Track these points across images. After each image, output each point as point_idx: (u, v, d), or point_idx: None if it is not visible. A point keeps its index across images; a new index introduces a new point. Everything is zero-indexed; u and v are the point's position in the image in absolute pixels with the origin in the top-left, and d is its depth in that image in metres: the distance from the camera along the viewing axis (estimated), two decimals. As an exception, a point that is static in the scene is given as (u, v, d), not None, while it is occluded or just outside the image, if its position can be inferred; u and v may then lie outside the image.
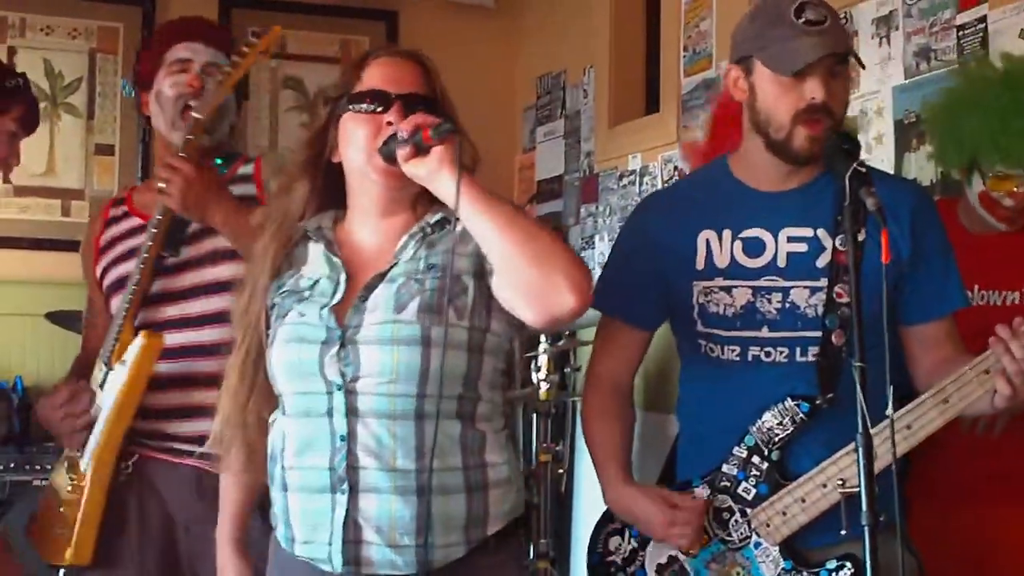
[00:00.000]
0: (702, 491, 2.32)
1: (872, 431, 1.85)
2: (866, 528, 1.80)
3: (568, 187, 4.89)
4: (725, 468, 2.30)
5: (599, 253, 4.63)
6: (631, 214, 2.60)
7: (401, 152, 1.99)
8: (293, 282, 2.15)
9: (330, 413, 2.04)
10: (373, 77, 2.13)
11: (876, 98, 3.33)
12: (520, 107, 5.25)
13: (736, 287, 2.29)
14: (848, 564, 2.20)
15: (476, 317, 2.06)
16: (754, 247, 2.30)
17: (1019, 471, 2.59)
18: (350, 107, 2.12)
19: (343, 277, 2.11)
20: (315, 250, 2.18)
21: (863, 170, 1.91)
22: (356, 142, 2.11)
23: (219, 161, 2.73)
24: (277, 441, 2.11)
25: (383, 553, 2.00)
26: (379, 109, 2.09)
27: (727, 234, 2.32)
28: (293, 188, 2.20)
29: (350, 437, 2.02)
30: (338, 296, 2.09)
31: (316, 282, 2.12)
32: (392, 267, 2.09)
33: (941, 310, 2.28)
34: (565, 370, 4.20)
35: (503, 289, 2.01)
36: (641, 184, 4.38)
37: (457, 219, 1.98)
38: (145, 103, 2.81)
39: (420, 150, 1.97)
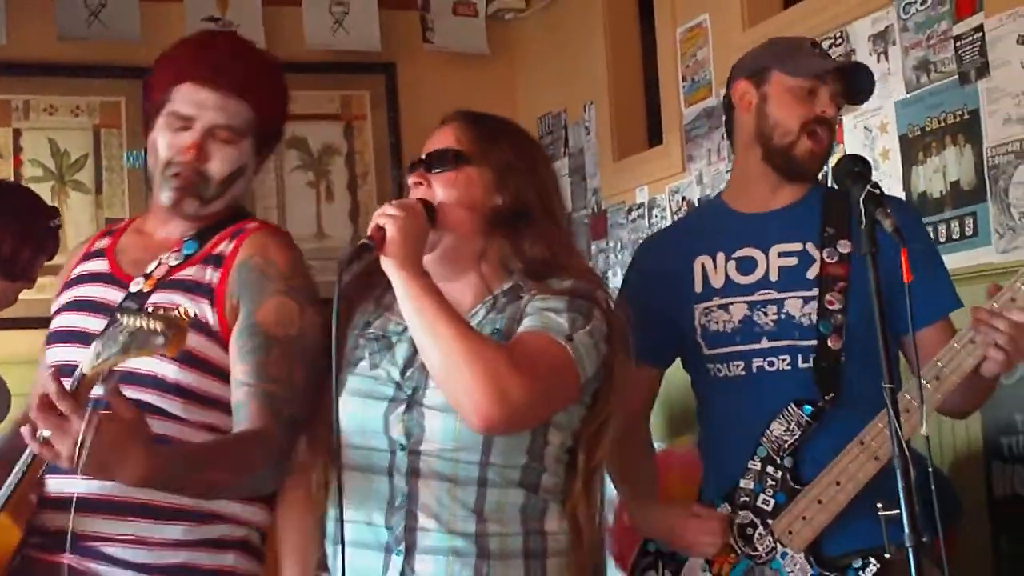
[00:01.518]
0: (723, 510, 2.34)
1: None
2: (910, 549, 1.79)
3: (577, 225, 4.89)
4: (742, 483, 2.33)
5: (612, 289, 4.61)
6: (632, 259, 2.69)
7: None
8: (381, 323, 2.14)
9: (391, 472, 2.02)
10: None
11: (879, 114, 3.34)
12: (523, 148, 5.25)
13: (733, 303, 2.38)
14: (872, 560, 2.22)
15: None
16: (747, 265, 2.40)
17: None
18: None
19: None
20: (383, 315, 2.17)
21: (876, 192, 1.92)
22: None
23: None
24: (333, 490, 2.06)
25: None
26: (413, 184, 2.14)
27: (720, 256, 2.42)
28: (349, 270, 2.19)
29: (410, 498, 1.99)
30: (405, 353, 2.07)
31: (405, 329, 2.07)
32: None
33: (934, 315, 2.32)
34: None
35: None
36: (650, 217, 4.38)
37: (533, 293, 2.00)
38: (146, 133, 2.28)
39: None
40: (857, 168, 2.00)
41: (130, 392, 1.96)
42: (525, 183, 2.11)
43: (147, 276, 2.17)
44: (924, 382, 2.15)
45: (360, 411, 2.06)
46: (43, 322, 2.29)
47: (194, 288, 2.14)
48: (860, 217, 1.91)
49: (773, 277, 2.37)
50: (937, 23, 3.17)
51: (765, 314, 2.35)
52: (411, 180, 2.12)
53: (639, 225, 4.46)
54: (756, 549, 2.30)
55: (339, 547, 1.98)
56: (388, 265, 1.97)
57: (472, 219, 2.08)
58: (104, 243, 2.31)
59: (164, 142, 2.18)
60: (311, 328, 2.15)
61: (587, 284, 2.09)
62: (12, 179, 4.58)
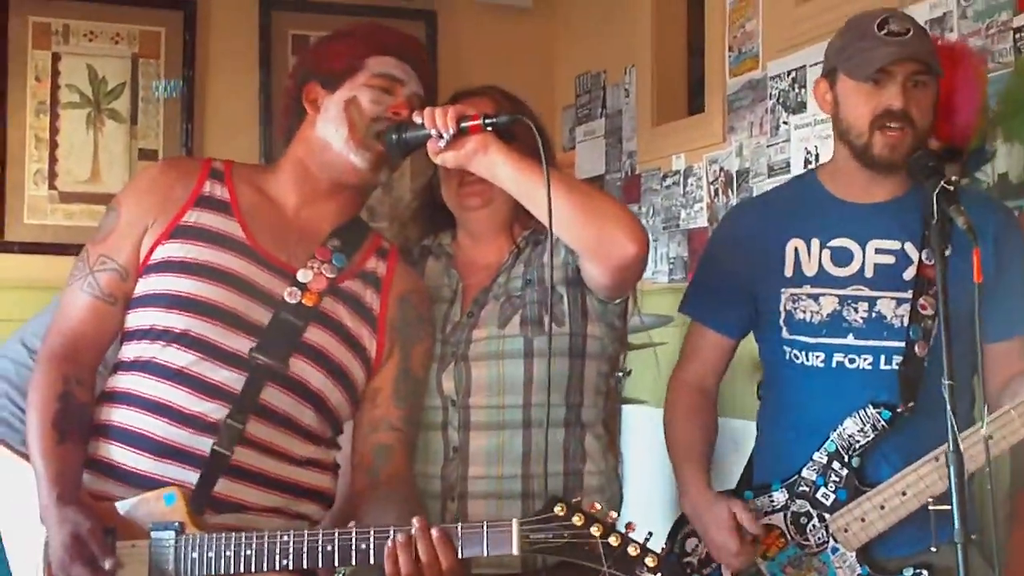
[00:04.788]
0: (780, 495, 2.35)
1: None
2: (959, 546, 1.81)
3: (609, 187, 4.89)
4: (805, 473, 2.33)
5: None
6: (721, 221, 2.68)
7: (434, 145, 2.06)
8: None
9: (444, 426, 2.20)
10: None
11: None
12: (559, 106, 5.25)
13: (823, 295, 2.34)
14: (925, 573, 2.23)
15: (574, 323, 2.20)
16: (842, 257, 2.35)
17: None
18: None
19: (460, 286, 2.28)
20: (434, 265, 2.34)
21: (950, 188, 1.92)
22: (446, 186, 2.29)
23: None
24: None
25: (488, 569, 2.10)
26: None
27: (815, 243, 2.38)
28: (406, 229, 2.39)
29: (462, 449, 2.18)
30: (455, 313, 2.25)
31: (438, 289, 2.28)
32: (494, 283, 2.25)
33: (1014, 331, 2.32)
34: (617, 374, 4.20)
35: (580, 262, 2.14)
36: (686, 185, 4.38)
37: (551, 233, 2.02)
38: (313, 99, 2.21)
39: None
40: (931, 163, 2.00)
41: (289, 399, 2.05)
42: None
43: (302, 287, 2.11)
44: (1017, 415, 2.13)
45: None
46: (78, 249, 2.16)
47: (358, 308, 2.15)
48: (933, 213, 1.90)
49: (868, 273, 2.33)
50: (997, 13, 3.14)
51: (855, 310, 2.32)
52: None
53: (673, 192, 4.45)
54: (808, 539, 2.32)
55: None
56: (502, 150, 2.03)
57: None
58: (220, 192, 2.17)
59: (370, 97, 2.15)
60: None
61: None
62: (49, 103, 4.59)
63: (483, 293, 2.26)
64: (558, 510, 1.80)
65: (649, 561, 1.78)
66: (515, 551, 1.80)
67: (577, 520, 1.79)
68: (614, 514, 1.82)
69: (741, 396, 2.83)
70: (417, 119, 2.05)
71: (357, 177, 2.15)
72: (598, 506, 1.81)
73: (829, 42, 2.45)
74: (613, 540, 1.79)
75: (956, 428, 1.85)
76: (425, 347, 2.20)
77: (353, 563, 1.89)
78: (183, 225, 2.12)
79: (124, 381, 2.08)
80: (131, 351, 2.09)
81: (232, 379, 2.03)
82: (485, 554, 1.82)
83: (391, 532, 1.85)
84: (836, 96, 2.34)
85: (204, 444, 2.01)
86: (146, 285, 2.10)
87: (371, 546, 1.86)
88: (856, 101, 2.29)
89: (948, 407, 1.85)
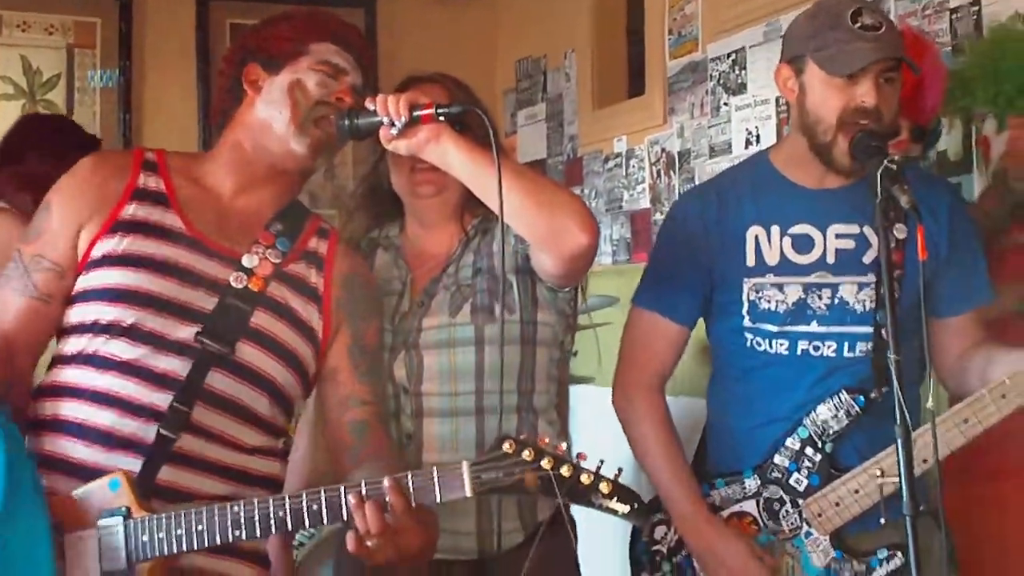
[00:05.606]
0: (752, 482, 2.35)
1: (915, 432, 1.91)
2: (908, 519, 1.83)
3: (552, 171, 4.90)
4: (777, 459, 2.33)
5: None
6: (672, 208, 2.61)
7: (386, 132, 2.03)
8: None
9: (397, 414, 2.22)
10: None
11: (870, 81, 3.35)
12: (500, 91, 5.25)
13: (788, 284, 2.32)
14: (899, 554, 2.25)
15: (524, 311, 2.23)
16: (803, 243, 2.33)
17: None
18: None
19: (409, 277, 2.29)
20: (383, 257, 2.34)
21: (893, 167, 1.94)
22: (396, 175, 2.32)
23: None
24: None
25: (447, 540, 2.09)
26: None
27: (776, 230, 2.35)
28: (354, 218, 2.40)
29: (416, 435, 2.19)
30: (404, 304, 2.25)
31: (388, 282, 2.30)
32: (444, 273, 2.25)
33: (968, 305, 2.34)
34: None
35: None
36: (628, 167, 4.40)
37: (503, 221, 2.02)
38: (254, 79, 2.16)
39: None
40: (874, 143, 2.02)
41: (236, 384, 2.02)
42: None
43: (248, 272, 2.08)
44: (953, 425, 2.17)
45: None
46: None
47: (303, 289, 2.12)
48: (876, 192, 1.93)
49: (830, 259, 2.31)
50: (932, -7, 3.19)
51: (819, 297, 2.30)
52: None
53: (616, 174, 4.47)
54: (780, 525, 2.32)
55: None
56: (455, 138, 2.02)
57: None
58: (156, 183, 2.14)
59: (316, 80, 2.11)
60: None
61: None
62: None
63: (433, 283, 2.27)
64: (507, 447, 1.77)
65: (603, 487, 1.76)
66: (468, 493, 1.78)
67: (527, 455, 1.76)
68: (563, 445, 1.80)
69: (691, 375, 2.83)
70: (370, 106, 2.03)
71: (295, 162, 2.12)
72: (547, 439, 1.79)
73: (792, 23, 2.40)
74: (565, 471, 1.77)
75: (904, 403, 1.87)
76: (374, 324, 2.17)
77: (307, 525, 1.86)
78: (121, 220, 2.08)
79: (67, 374, 2.04)
80: (73, 345, 2.05)
81: (179, 366, 2.00)
82: (438, 500, 1.79)
83: (341, 490, 1.83)
84: (803, 84, 2.29)
85: (152, 432, 1.98)
86: (87, 281, 2.06)
87: (323, 506, 1.83)
88: (827, 94, 2.23)
89: (894, 381, 1.87)
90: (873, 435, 2.23)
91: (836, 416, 2.28)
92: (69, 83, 4.72)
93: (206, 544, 1.88)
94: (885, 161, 1.94)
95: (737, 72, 3.83)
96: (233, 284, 2.06)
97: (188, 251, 2.07)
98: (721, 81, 3.90)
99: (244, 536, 1.87)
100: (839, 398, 2.27)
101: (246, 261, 2.09)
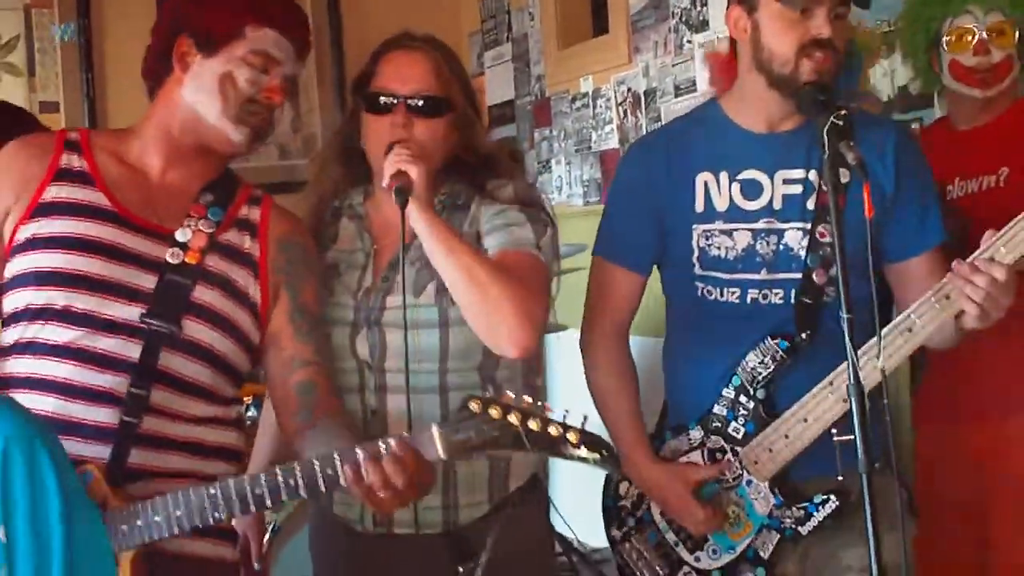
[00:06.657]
0: (697, 433, 2.38)
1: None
2: (864, 476, 1.84)
3: (520, 112, 4.88)
4: (716, 409, 2.35)
5: (556, 176, 4.64)
6: (623, 158, 2.60)
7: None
8: (330, 255, 2.30)
9: (361, 389, 2.23)
10: (384, 74, 2.26)
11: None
12: (465, 32, 5.19)
13: (737, 230, 2.31)
14: (832, 497, 2.26)
15: None
16: (752, 189, 2.32)
17: (1019, 390, 2.66)
18: (364, 106, 2.26)
19: (372, 250, 2.28)
20: (347, 227, 2.32)
21: (840, 122, 1.92)
22: (370, 142, 2.26)
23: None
24: None
25: (411, 513, 2.15)
26: (386, 112, 2.22)
27: (724, 176, 2.33)
28: (326, 171, 2.35)
29: (379, 411, 2.21)
30: (368, 279, 2.25)
31: (351, 254, 2.29)
32: (409, 250, 2.17)
33: (922, 246, 2.32)
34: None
35: None
36: (595, 107, 4.37)
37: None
38: (183, 53, 2.09)
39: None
40: (822, 97, 2.00)
41: (186, 362, 2.02)
42: (474, 122, 2.32)
43: (183, 247, 2.05)
44: (897, 333, 2.17)
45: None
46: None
47: (237, 256, 2.10)
48: (824, 148, 1.91)
49: (777, 205, 2.29)
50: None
51: (767, 243, 2.30)
52: (393, 119, 2.20)
53: (583, 114, 4.45)
54: (724, 474, 2.34)
55: None
56: (416, 209, 2.08)
57: (440, 159, 2.26)
58: (79, 163, 2.09)
59: (246, 76, 2.07)
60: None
61: (524, 185, 2.31)
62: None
63: (397, 259, 2.20)
64: (474, 407, 1.81)
65: (571, 436, 1.80)
66: (442, 455, 1.82)
67: (494, 412, 1.80)
68: (528, 399, 1.83)
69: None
70: None
71: (231, 148, 2.10)
72: (511, 395, 1.82)
73: None
74: (533, 424, 1.81)
75: (856, 361, 1.87)
76: (313, 284, 2.16)
77: (284, 499, 1.87)
78: (44, 202, 2.04)
79: (9, 365, 2.03)
80: (11, 335, 2.03)
81: (125, 347, 1.99)
82: None
83: (315, 463, 1.85)
84: (756, 22, 2.26)
85: (104, 416, 1.97)
86: (15, 266, 2.03)
87: (299, 480, 1.85)
88: (781, 28, 2.21)
89: (847, 340, 1.86)
90: (814, 379, 2.24)
91: (763, 362, 2.28)
92: (29, 44, 4.67)
93: (187, 528, 1.89)
94: (832, 117, 1.92)
95: (699, 9, 3.79)
96: (170, 260, 2.04)
97: (115, 228, 2.03)
98: (683, 19, 3.87)
99: (223, 516, 1.89)
100: (765, 343, 2.28)
101: (180, 235, 2.07)
